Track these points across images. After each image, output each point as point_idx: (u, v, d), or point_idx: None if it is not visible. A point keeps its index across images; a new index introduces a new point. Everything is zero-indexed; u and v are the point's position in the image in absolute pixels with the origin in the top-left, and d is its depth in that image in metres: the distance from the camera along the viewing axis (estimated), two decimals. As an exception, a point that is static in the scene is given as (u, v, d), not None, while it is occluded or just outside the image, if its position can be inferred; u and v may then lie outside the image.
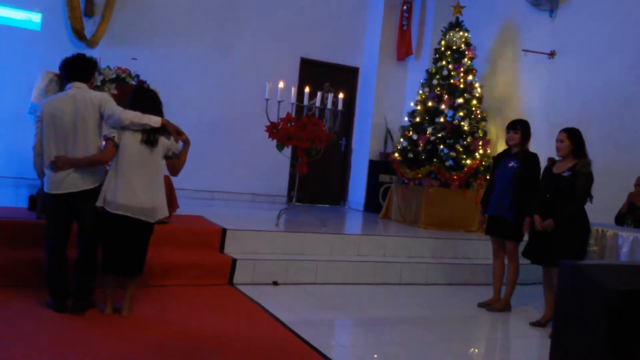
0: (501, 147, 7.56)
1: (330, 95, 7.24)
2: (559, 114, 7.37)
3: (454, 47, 8.33)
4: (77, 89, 4.28)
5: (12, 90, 7.99)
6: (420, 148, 8.20)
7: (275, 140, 6.93)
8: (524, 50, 8.10)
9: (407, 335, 4.74)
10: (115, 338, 3.88)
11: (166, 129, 4.32)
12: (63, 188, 4.19)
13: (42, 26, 8.35)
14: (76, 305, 4.23)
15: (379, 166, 9.60)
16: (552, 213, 5.06)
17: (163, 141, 4.34)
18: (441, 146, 8.01)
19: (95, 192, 4.24)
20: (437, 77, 8.40)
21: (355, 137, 10.31)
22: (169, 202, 5.10)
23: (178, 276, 5.32)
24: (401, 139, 8.56)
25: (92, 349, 3.66)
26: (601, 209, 5.59)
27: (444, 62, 8.36)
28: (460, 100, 8.11)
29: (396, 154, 8.51)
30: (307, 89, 7.20)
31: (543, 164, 5.41)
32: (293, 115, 7.02)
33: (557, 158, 5.25)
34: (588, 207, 5.12)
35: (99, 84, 6.00)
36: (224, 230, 5.96)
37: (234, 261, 5.62)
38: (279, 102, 6.93)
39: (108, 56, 7.19)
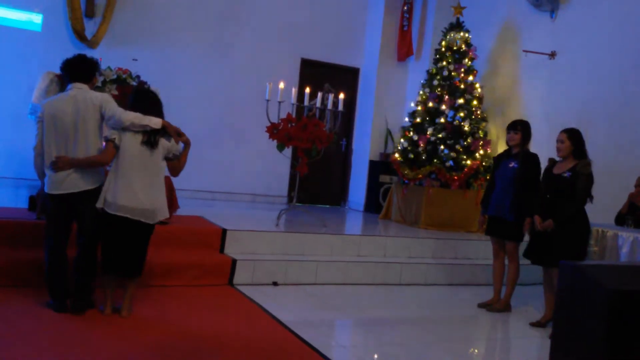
0: (501, 147, 7.57)
1: (331, 96, 7.23)
2: (559, 114, 7.37)
3: (455, 48, 8.33)
4: (78, 90, 4.28)
5: (12, 90, 7.99)
6: (420, 148, 8.20)
7: (275, 141, 6.93)
8: (524, 50, 8.10)
9: (407, 335, 4.74)
10: (115, 338, 3.88)
11: (166, 131, 4.32)
12: (63, 188, 4.20)
13: (43, 27, 8.35)
14: (76, 305, 4.24)
15: (379, 166, 9.59)
16: (552, 213, 5.06)
17: (163, 143, 4.33)
18: (441, 147, 8.01)
19: (95, 192, 4.24)
20: (438, 77, 8.40)
21: (356, 138, 10.30)
22: (170, 202, 5.10)
23: (178, 276, 5.32)
24: (401, 140, 8.55)
25: (92, 349, 3.66)
26: (601, 209, 5.60)
27: (444, 63, 8.36)
28: (461, 101, 8.11)
29: (396, 155, 8.51)
30: (307, 90, 7.20)
31: (543, 164, 5.41)
32: (293, 115, 7.02)
33: (557, 158, 5.25)
34: (588, 207, 5.12)
35: (99, 84, 6.00)
36: (224, 231, 5.96)
37: (234, 261, 5.62)
38: (280, 102, 6.92)
39: (109, 57, 7.19)
